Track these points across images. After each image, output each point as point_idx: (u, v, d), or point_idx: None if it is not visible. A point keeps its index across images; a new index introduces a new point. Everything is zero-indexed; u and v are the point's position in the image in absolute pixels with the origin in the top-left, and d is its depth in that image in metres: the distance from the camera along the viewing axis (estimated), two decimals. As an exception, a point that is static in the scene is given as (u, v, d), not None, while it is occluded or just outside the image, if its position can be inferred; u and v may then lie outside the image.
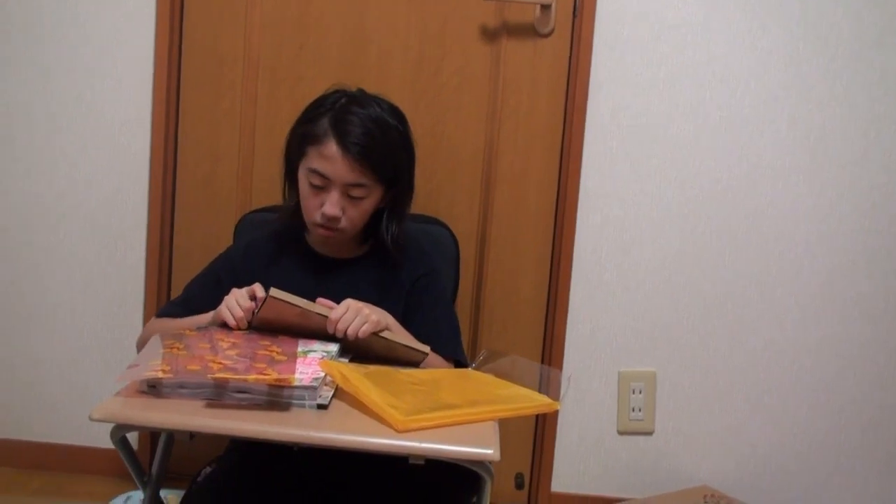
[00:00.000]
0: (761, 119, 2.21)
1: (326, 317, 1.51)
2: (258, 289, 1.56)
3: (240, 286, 1.61)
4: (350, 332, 1.50)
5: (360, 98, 1.70)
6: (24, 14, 2.18)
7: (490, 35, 2.18)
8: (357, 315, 1.51)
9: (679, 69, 2.19)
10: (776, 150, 2.22)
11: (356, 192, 1.66)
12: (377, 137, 1.64)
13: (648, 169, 2.23)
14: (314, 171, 1.65)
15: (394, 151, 1.69)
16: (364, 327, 1.51)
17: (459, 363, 1.72)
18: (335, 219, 1.66)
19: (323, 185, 1.65)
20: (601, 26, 2.16)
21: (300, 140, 1.70)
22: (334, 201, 1.65)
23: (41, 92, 2.21)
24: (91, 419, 1.25)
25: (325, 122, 1.64)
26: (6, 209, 2.26)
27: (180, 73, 2.22)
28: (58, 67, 2.20)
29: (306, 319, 1.52)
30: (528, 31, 2.18)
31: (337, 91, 1.72)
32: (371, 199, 1.69)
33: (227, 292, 1.60)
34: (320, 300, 1.55)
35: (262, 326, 1.55)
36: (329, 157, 1.63)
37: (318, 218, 1.68)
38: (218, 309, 1.57)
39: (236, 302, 1.55)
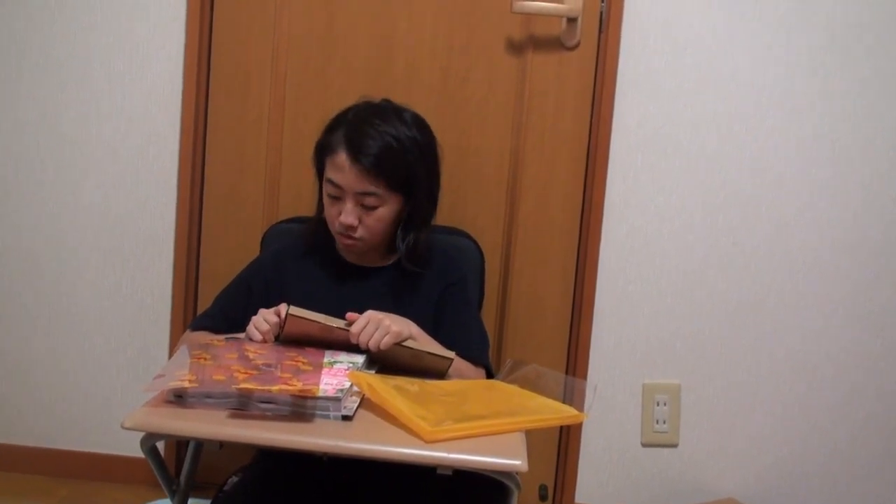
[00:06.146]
0: (786, 130, 2.20)
1: (348, 330, 1.52)
2: (283, 308, 1.56)
3: (270, 294, 1.63)
4: (371, 344, 1.51)
5: (380, 109, 1.72)
6: (58, 24, 2.21)
7: (516, 48, 2.19)
8: (378, 327, 1.52)
9: (704, 81, 2.19)
10: (800, 162, 2.21)
11: (369, 202, 1.68)
12: (388, 146, 1.66)
13: (673, 180, 2.22)
14: (329, 181, 1.69)
15: (407, 159, 1.69)
16: (385, 339, 1.51)
17: (487, 369, 1.73)
18: (352, 227, 1.68)
19: (338, 194, 1.68)
20: (627, 38, 2.16)
21: (320, 151, 1.73)
22: (349, 210, 1.67)
23: (73, 100, 2.24)
24: (123, 427, 1.26)
25: (340, 133, 1.67)
26: (35, 216, 2.28)
27: (209, 85, 2.24)
28: (89, 77, 2.23)
29: (329, 333, 1.53)
30: (554, 44, 2.18)
31: (362, 102, 1.75)
32: (386, 208, 1.70)
33: (257, 300, 1.62)
34: (349, 314, 1.56)
35: (290, 340, 1.56)
36: (340, 167, 1.65)
37: (337, 227, 1.70)
38: (246, 330, 1.59)
39: (263, 319, 1.57)
